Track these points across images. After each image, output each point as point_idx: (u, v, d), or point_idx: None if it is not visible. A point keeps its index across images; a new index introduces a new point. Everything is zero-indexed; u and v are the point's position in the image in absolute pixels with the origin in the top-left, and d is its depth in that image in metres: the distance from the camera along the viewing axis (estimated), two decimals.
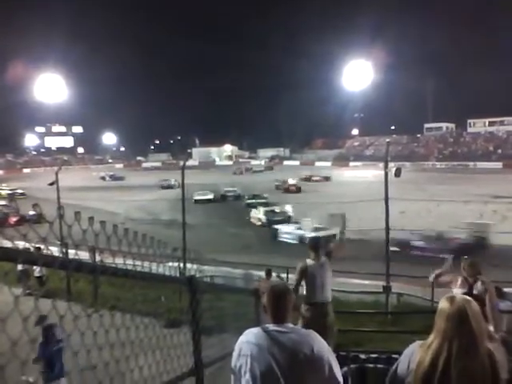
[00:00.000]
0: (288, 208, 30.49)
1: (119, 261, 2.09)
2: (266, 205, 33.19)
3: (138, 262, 2.35)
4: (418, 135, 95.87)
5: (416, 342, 2.13)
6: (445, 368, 1.91)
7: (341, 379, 2.25)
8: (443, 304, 2.05)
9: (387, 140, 57.03)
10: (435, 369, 1.93)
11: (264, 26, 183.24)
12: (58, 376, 6.12)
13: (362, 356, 3.75)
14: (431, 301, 10.92)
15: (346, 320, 8.32)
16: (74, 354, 1.68)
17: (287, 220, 27.90)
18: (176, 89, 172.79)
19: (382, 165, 12.29)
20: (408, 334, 7.02)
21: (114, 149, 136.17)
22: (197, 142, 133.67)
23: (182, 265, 12.33)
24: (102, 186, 58.72)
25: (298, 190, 46.79)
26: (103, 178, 71.09)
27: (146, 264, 2.38)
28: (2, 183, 54.40)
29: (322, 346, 2.25)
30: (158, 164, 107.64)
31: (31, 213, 28.08)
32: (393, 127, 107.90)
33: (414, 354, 2.06)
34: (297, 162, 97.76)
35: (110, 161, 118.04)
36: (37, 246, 1.60)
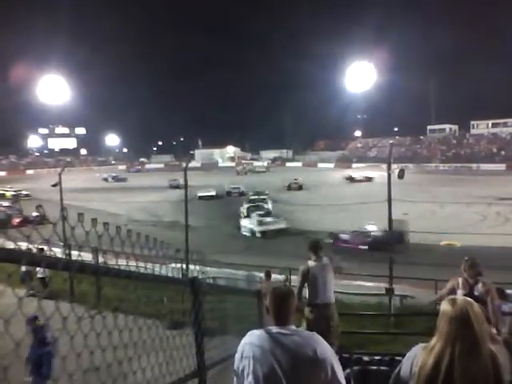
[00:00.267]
0: (269, 204, 33.32)
1: (122, 262, 2.09)
2: (266, 201, 34.89)
3: (141, 264, 2.35)
4: (421, 137, 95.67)
5: (419, 345, 2.13)
6: (448, 371, 1.90)
7: (343, 381, 2.25)
8: (445, 306, 2.04)
9: (390, 141, 57.02)
10: (438, 371, 1.92)
11: (267, 27, 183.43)
12: (46, 379, 6.05)
13: (365, 358, 3.74)
14: (434, 303, 10.90)
15: (349, 322, 8.32)
16: (77, 356, 1.68)
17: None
18: (179, 90, 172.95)
19: (385, 166, 12.30)
20: (411, 336, 7.01)
21: (117, 150, 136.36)
22: (200, 143, 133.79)
23: (184, 266, 12.37)
24: (105, 188, 58.82)
25: (300, 187, 49.83)
26: (106, 180, 71.20)
27: (149, 265, 2.38)
28: (5, 184, 54.52)
29: (324, 348, 2.25)
30: (161, 165, 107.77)
31: (34, 214, 28.18)
32: (396, 129, 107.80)
33: (417, 357, 2.05)
34: (299, 164, 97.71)
35: (113, 162, 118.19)
36: (40, 247, 1.60)
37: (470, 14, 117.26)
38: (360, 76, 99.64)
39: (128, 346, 2.07)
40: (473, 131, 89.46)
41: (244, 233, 26.60)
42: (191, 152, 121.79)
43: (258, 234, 25.17)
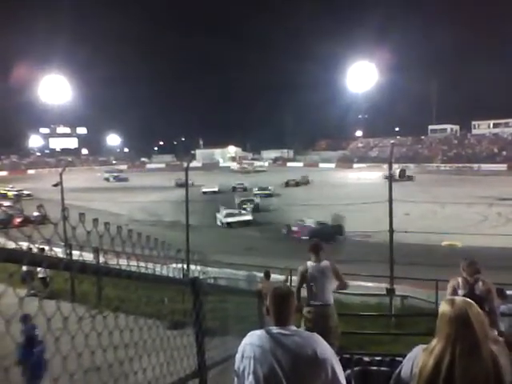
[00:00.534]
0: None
1: (123, 262, 2.10)
2: (270, 195, 43.76)
3: (142, 264, 2.35)
4: (423, 137, 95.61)
5: (419, 346, 2.12)
6: (448, 371, 1.90)
7: (344, 382, 2.25)
8: (444, 307, 2.04)
9: (391, 141, 57.11)
10: (439, 372, 1.92)
11: (268, 27, 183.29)
12: (38, 378, 6.04)
13: (366, 359, 3.73)
14: (435, 303, 10.89)
15: (350, 322, 8.32)
16: (78, 355, 1.69)
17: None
18: (180, 90, 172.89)
19: (386, 166, 12.29)
20: (412, 336, 7.01)
21: (118, 150, 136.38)
22: (201, 143, 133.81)
23: (185, 266, 12.37)
24: (106, 187, 58.86)
25: (297, 184, 55.34)
26: (107, 179, 71.21)
27: (150, 265, 2.38)
28: (6, 184, 54.58)
29: (325, 348, 2.25)
30: (162, 165, 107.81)
31: (35, 214, 28.19)
32: (397, 129, 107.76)
33: (417, 358, 2.05)
34: (300, 164, 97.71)
35: (114, 162, 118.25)
36: (41, 247, 1.61)
37: (472, 14, 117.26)
38: (361, 76, 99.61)
39: (129, 346, 2.08)
40: (474, 131, 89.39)
41: (218, 223, 30.91)
42: (192, 152, 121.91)
43: (225, 225, 29.77)
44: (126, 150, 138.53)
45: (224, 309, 3.80)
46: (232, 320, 3.87)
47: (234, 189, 50.68)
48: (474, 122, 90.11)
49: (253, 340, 2.31)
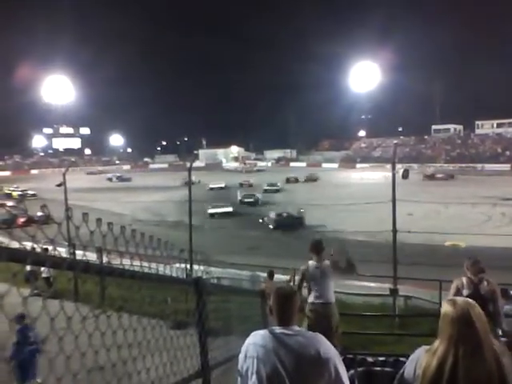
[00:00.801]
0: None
1: (126, 262, 2.10)
2: (278, 191, 48.78)
3: (145, 264, 2.35)
4: (426, 137, 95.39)
5: (422, 347, 2.12)
6: (452, 372, 1.89)
7: (347, 382, 2.24)
8: (446, 308, 2.03)
9: (394, 141, 56.94)
10: (442, 374, 1.91)
11: (271, 28, 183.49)
12: (31, 378, 6.08)
13: (369, 359, 3.72)
14: (439, 303, 10.86)
15: (353, 323, 8.29)
16: (82, 355, 1.69)
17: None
18: (183, 90, 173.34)
19: (389, 166, 12.26)
20: (416, 337, 6.99)
21: (121, 150, 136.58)
22: (204, 143, 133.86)
23: (188, 266, 12.38)
24: (109, 188, 58.94)
25: (296, 180, 60.31)
26: (110, 180, 71.31)
27: (153, 265, 2.38)
28: (10, 184, 54.73)
29: (328, 348, 2.24)
30: (165, 165, 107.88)
31: (39, 214, 28.26)
32: (400, 129, 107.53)
33: (420, 359, 2.04)
34: (303, 164, 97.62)
35: (117, 162, 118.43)
36: (44, 246, 1.61)
37: (475, 15, 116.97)
38: (364, 76, 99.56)
39: (132, 345, 2.08)
40: (477, 131, 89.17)
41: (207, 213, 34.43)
42: (195, 152, 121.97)
43: (208, 215, 33.64)
44: (129, 150, 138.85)
45: (227, 309, 3.79)
46: (235, 320, 3.86)
47: (241, 185, 54.63)
48: (477, 122, 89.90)
49: (256, 340, 2.31)
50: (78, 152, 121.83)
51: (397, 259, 11.39)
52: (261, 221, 30.40)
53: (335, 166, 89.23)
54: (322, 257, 5.65)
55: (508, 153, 75.21)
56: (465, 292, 4.82)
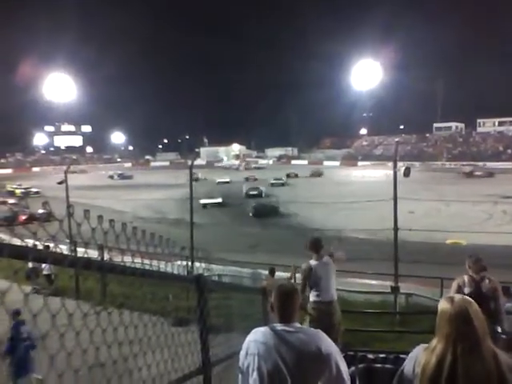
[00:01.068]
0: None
1: (128, 259, 2.10)
2: (283, 184, 52.25)
3: (147, 261, 2.36)
4: (427, 135, 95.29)
5: (420, 346, 2.11)
6: (451, 371, 1.89)
7: (348, 379, 2.25)
8: (443, 306, 2.02)
9: (396, 139, 56.93)
10: (441, 372, 1.91)
11: (273, 26, 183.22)
12: (26, 373, 6.14)
13: (370, 356, 3.72)
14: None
15: (355, 320, 8.30)
16: (83, 352, 1.69)
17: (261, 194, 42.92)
18: (184, 88, 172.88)
19: (390, 164, 12.24)
20: (416, 334, 6.99)
21: (123, 148, 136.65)
22: (205, 141, 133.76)
23: (190, 263, 12.40)
24: (111, 185, 58.96)
25: (296, 176, 63.61)
26: (111, 177, 71.32)
27: (155, 262, 2.39)
28: (12, 182, 54.79)
29: (329, 345, 2.25)
30: (166, 163, 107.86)
31: (40, 211, 28.32)
32: (402, 127, 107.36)
33: (418, 358, 2.04)
34: (305, 162, 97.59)
35: (119, 160, 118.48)
36: (46, 244, 1.61)
37: (477, 13, 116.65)
38: (366, 74, 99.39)
39: (133, 342, 2.08)
40: (479, 129, 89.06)
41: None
42: (196, 150, 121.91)
43: (201, 205, 36.03)
44: (131, 147, 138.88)
45: (228, 306, 3.80)
46: (236, 317, 3.87)
47: (247, 179, 58.17)
48: (479, 120, 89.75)
49: (257, 337, 2.31)
50: (80, 150, 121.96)
51: (398, 257, 11.38)
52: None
53: (337, 163, 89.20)
54: (322, 254, 5.67)
55: (509, 151, 75.18)
56: (466, 290, 4.81)
